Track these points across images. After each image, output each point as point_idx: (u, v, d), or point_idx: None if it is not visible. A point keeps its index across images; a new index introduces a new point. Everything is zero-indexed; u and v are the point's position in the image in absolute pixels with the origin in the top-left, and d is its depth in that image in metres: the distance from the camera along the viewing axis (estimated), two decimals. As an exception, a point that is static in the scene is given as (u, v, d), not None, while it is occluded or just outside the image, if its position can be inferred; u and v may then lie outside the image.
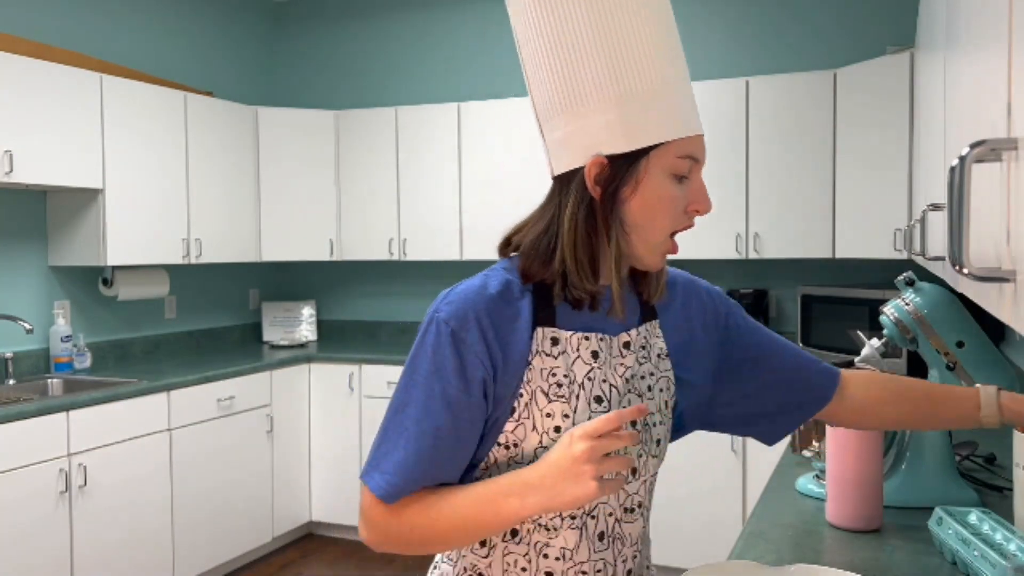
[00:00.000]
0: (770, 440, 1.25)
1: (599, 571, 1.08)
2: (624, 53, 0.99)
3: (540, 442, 1.02)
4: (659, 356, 1.13)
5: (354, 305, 5.16)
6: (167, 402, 3.56)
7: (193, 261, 4.14)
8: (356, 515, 4.37)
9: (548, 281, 1.04)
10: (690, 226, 1.05)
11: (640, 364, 1.10)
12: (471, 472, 1.05)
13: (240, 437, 3.97)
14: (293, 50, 5.24)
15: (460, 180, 4.45)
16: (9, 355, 3.56)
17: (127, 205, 3.77)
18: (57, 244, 3.78)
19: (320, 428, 4.45)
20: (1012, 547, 1.33)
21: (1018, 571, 1.19)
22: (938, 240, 1.53)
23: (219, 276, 4.83)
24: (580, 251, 1.02)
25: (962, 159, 0.69)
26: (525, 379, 1.02)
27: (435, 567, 1.15)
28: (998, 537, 1.38)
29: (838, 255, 3.75)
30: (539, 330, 1.03)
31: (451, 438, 1.00)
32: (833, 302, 3.62)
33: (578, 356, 1.04)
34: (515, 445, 1.03)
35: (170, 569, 3.57)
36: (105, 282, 3.99)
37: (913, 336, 1.71)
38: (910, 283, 1.73)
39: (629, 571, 1.12)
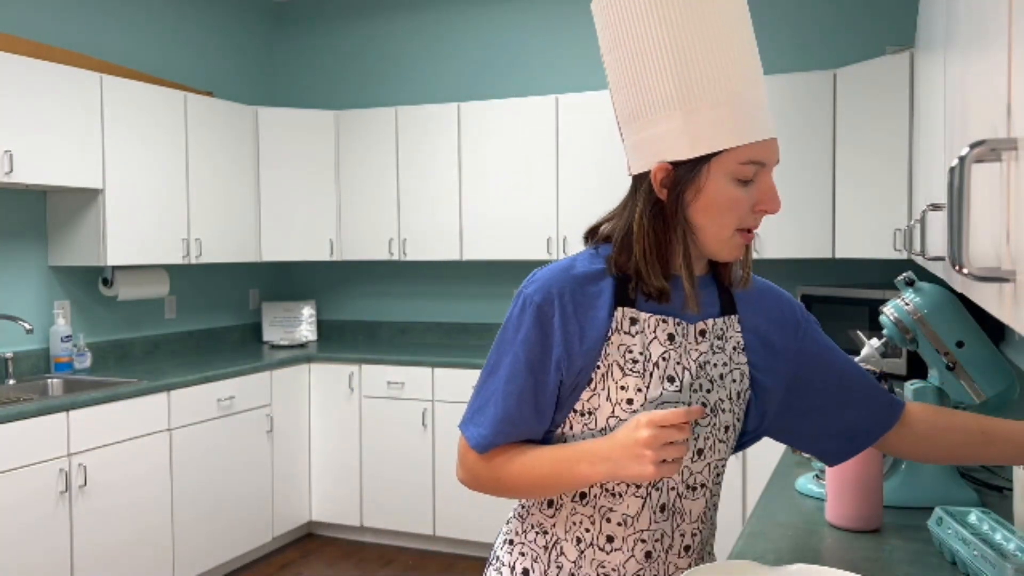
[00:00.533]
0: (833, 461, 1.27)
1: (657, 540, 1.16)
2: (691, 65, 1.05)
3: (612, 412, 1.11)
4: (735, 349, 1.18)
5: (354, 305, 5.16)
6: (167, 402, 3.56)
7: (193, 261, 4.14)
8: (355, 515, 4.38)
9: (629, 272, 1.13)
10: (757, 224, 1.10)
11: (714, 353, 1.16)
12: (548, 435, 1.16)
13: (240, 437, 3.97)
14: (293, 50, 5.24)
15: (460, 180, 4.45)
16: (9, 355, 3.56)
17: (127, 205, 3.77)
18: (57, 244, 3.78)
19: (320, 428, 4.45)
20: (1012, 547, 1.33)
21: (1018, 571, 1.19)
22: (938, 240, 1.53)
23: (219, 276, 4.83)
24: (649, 249, 1.10)
25: (962, 159, 0.69)
26: (603, 353, 1.11)
27: (508, 522, 1.27)
28: (998, 537, 1.38)
29: (838, 255, 3.75)
30: (620, 310, 1.12)
31: (532, 400, 1.12)
32: (833, 302, 3.62)
33: (654, 337, 1.12)
34: (589, 413, 1.12)
35: (170, 569, 3.57)
36: (105, 282, 3.99)
37: (913, 336, 1.71)
38: (910, 283, 1.73)
39: (687, 547, 1.18)
